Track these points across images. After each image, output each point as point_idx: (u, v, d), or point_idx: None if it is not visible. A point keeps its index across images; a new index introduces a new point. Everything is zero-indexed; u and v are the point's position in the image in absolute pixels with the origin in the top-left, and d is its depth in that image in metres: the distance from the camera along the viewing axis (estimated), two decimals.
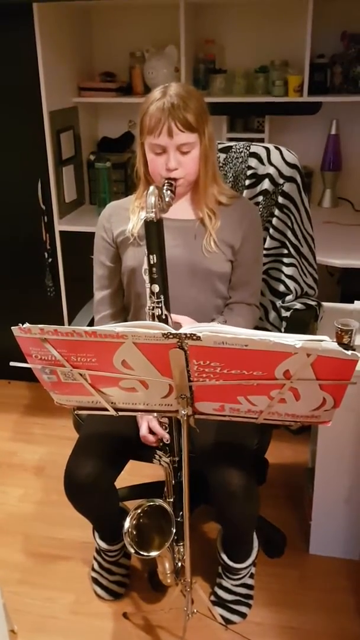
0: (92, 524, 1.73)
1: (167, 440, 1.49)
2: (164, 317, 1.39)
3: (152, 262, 1.37)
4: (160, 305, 1.38)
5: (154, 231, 1.36)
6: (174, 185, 1.52)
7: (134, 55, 2.72)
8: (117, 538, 1.73)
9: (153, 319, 1.39)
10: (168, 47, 2.59)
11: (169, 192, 1.48)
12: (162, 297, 1.38)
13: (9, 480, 2.35)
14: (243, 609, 1.74)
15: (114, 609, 1.78)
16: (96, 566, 1.84)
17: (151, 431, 1.51)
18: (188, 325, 1.15)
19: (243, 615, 1.73)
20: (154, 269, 1.37)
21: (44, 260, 2.66)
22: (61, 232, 2.63)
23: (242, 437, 1.56)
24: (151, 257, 1.37)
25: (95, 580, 1.84)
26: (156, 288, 1.37)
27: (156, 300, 1.38)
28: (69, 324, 2.59)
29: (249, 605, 1.75)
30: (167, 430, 1.48)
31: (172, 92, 1.48)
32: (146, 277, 1.39)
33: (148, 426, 1.52)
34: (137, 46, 2.71)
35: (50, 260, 2.66)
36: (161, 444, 1.50)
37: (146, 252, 1.37)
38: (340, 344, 1.09)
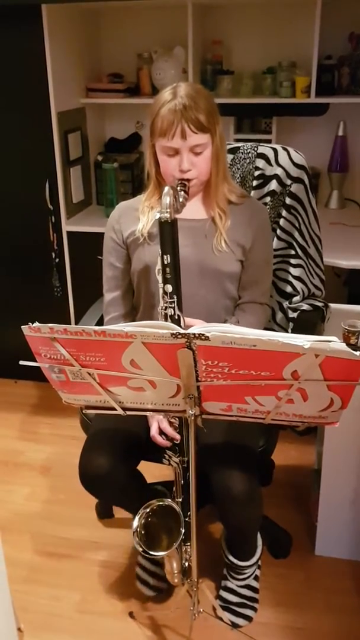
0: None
1: (178, 441, 1.49)
2: (176, 317, 1.39)
3: (165, 262, 1.37)
4: (173, 305, 1.39)
5: (168, 231, 1.37)
6: (187, 185, 1.52)
7: (142, 57, 2.73)
8: None
9: (166, 319, 1.39)
10: (176, 48, 2.60)
11: (182, 192, 1.48)
12: (175, 297, 1.38)
13: (15, 479, 2.35)
14: (248, 612, 1.73)
15: (120, 608, 1.78)
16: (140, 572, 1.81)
17: (161, 432, 1.51)
18: (197, 326, 1.15)
19: (249, 618, 1.72)
20: (168, 269, 1.37)
21: (51, 260, 2.67)
22: (68, 233, 2.63)
23: (245, 439, 1.56)
24: (165, 257, 1.37)
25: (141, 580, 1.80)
26: (169, 288, 1.38)
27: (169, 300, 1.38)
28: (76, 324, 2.59)
29: (254, 609, 1.74)
30: (178, 430, 1.48)
31: (182, 93, 1.47)
32: (159, 277, 1.39)
33: (158, 427, 1.52)
34: (145, 47, 2.72)
35: (57, 260, 2.67)
36: (171, 444, 1.51)
37: (160, 252, 1.38)
38: (347, 345, 1.10)
